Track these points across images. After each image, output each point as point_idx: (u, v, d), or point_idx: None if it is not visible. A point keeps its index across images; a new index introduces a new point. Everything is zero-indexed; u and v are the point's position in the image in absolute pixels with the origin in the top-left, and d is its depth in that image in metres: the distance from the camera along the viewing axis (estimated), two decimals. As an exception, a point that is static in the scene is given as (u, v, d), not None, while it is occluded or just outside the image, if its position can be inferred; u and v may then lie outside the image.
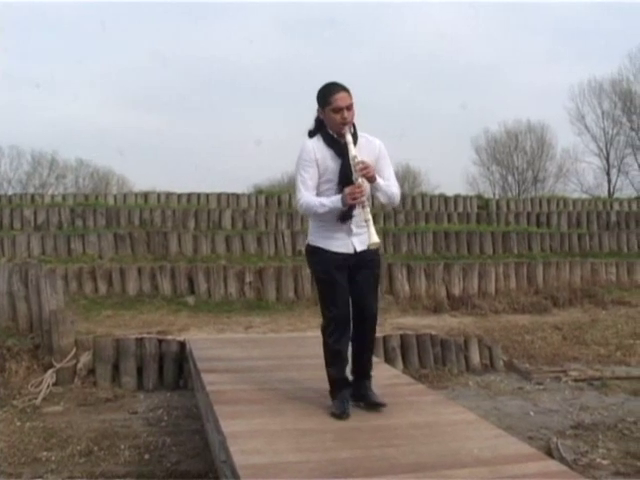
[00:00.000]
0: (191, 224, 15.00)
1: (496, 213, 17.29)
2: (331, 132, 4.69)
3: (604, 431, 6.28)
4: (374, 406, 4.74)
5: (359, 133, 4.73)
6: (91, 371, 7.80)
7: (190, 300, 11.46)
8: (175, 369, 7.90)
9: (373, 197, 4.90)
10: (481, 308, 11.59)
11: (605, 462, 5.50)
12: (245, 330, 9.59)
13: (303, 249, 13.31)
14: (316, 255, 4.79)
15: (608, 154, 43.40)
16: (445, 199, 18.66)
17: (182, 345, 7.95)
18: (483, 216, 17.08)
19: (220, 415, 4.70)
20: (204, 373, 6.13)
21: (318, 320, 9.90)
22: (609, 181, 43.47)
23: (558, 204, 18.96)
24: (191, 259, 13.14)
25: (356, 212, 4.59)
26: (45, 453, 5.63)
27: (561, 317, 11.16)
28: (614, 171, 43.40)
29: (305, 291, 11.77)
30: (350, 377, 4.90)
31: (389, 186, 4.72)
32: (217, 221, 15.20)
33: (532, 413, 6.91)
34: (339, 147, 4.63)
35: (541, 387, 7.87)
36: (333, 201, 4.56)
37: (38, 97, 74.70)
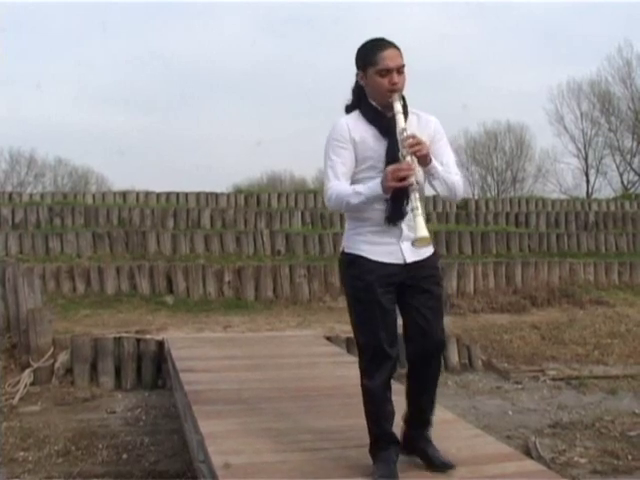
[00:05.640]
0: (170, 223, 14.90)
1: (475, 213, 17.29)
2: (374, 104, 3.57)
3: (582, 430, 6.32)
4: (439, 468, 3.63)
5: (410, 109, 3.62)
6: (69, 370, 7.76)
7: (169, 299, 11.40)
8: (153, 368, 7.88)
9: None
10: (460, 307, 11.61)
11: (583, 460, 5.53)
12: (224, 329, 9.55)
13: (282, 249, 13.64)
14: (355, 267, 3.59)
15: (587, 155, 43.47)
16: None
17: (160, 344, 7.93)
18: (462, 216, 17.07)
19: (198, 415, 4.69)
20: (182, 372, 6.12)
21: (297, 319, 10.03)
22: (587, 182, 43.54)
23: (537, 204, 18.99)
24: (170, 258, 13.06)
25: (410, 207, 3.45)
26: (22, 453, 5.59)
27: (539, 317, 11.20)
28: (592, 172, 43.45)
29: (284, 291, 11.74)
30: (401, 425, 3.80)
31: (448, 173, 3.62)
32: (196, 220, 15.11)
33: (510, 412, 6.94)
34: (385, 123, 3.52)
35: (519, 386, 7.90)
36: (371, 187, 3.43)
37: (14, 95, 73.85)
